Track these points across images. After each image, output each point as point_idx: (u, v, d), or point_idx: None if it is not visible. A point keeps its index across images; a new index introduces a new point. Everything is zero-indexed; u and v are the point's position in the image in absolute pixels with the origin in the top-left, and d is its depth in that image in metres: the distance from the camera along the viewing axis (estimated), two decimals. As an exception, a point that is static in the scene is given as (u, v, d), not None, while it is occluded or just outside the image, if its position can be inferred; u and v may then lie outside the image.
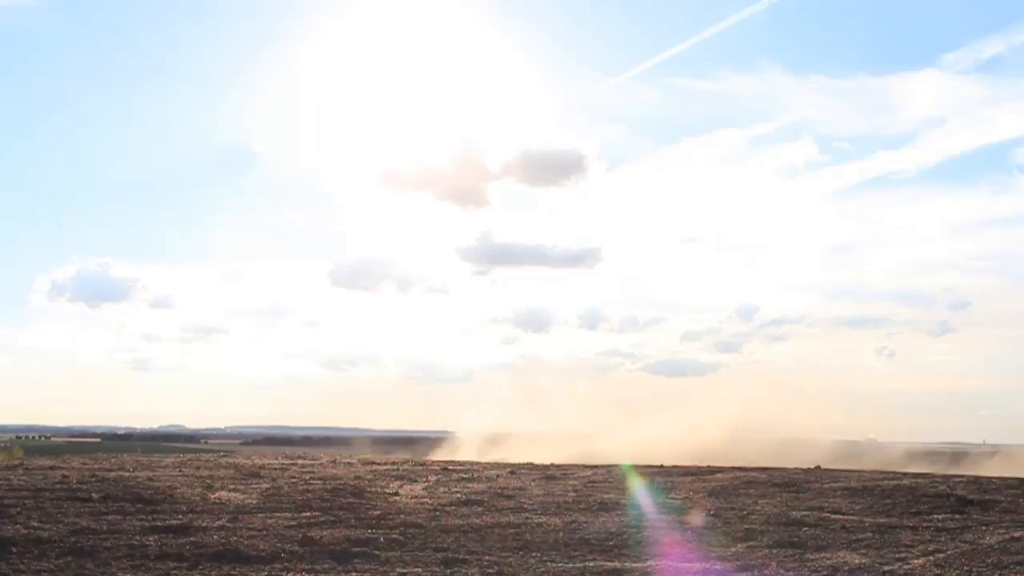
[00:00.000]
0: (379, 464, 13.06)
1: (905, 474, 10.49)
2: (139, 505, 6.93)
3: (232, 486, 8.56)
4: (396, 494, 8.21)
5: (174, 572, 4.57)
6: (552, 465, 13.62)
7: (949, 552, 5.27)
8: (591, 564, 4.96)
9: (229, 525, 6.02)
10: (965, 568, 4.81)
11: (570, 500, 7.91)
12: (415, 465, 12.95)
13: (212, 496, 7.65)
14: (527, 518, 6.69)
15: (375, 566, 4.84)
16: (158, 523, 5.99)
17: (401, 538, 5.66)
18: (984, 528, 6.24)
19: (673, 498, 8.12)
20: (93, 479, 8.92)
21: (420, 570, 4.75)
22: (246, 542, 5.30)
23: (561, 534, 5.97)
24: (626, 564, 4.97)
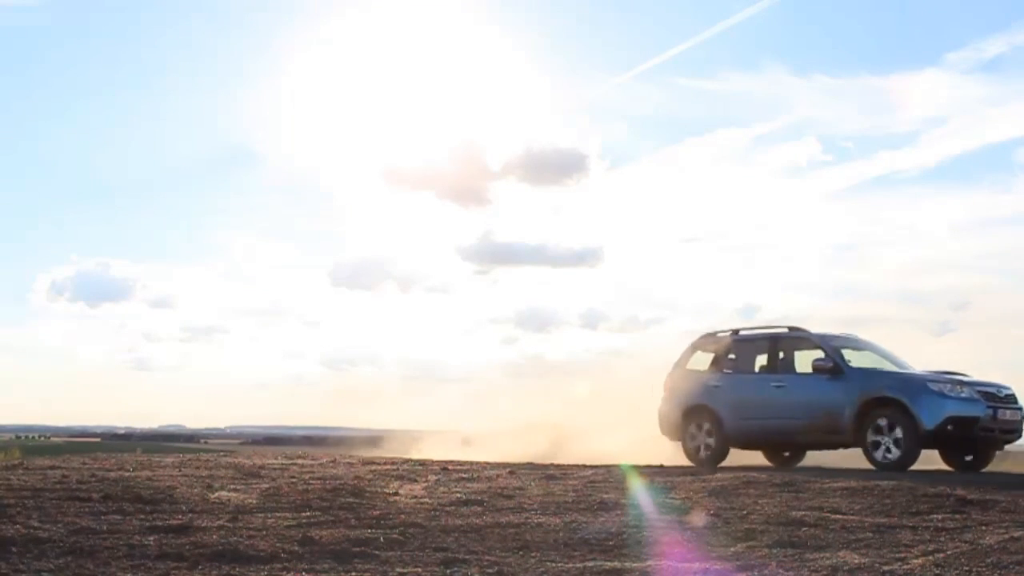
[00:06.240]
0: (379, 464, 13.05)
1: (905, 474, 10.48)
2: (139, 505, 6.92)
3: (232, 486, 8.56)
4: (396, 494, 8.21)
5: (174, 572, 4.57)
6: (552, 465, 13.61)
7: (949, 552, 5.27)
8: (591, 564, 4.95)
9: (229, 525, 6.02)
10: (965, 568, 4.81)
11: (570, 500, 7.91)
12: (415, 465, 12.94)
13: (212, 496, 7.64)
14: (527, 518, 6.68)
15: (375, 566, 4.83)
16: (158, 523, 5.99)
17: (401, 538, 5.66)
18: (984, 528, 6.24)
19: (673, 498, 8.11)
20: (93, 479, 8.91)
21: (420, 570, 4.75)
22: (246, 542, 5.29)
23: (561, 534, 5.96)
24: (626, 564, 4.96)
